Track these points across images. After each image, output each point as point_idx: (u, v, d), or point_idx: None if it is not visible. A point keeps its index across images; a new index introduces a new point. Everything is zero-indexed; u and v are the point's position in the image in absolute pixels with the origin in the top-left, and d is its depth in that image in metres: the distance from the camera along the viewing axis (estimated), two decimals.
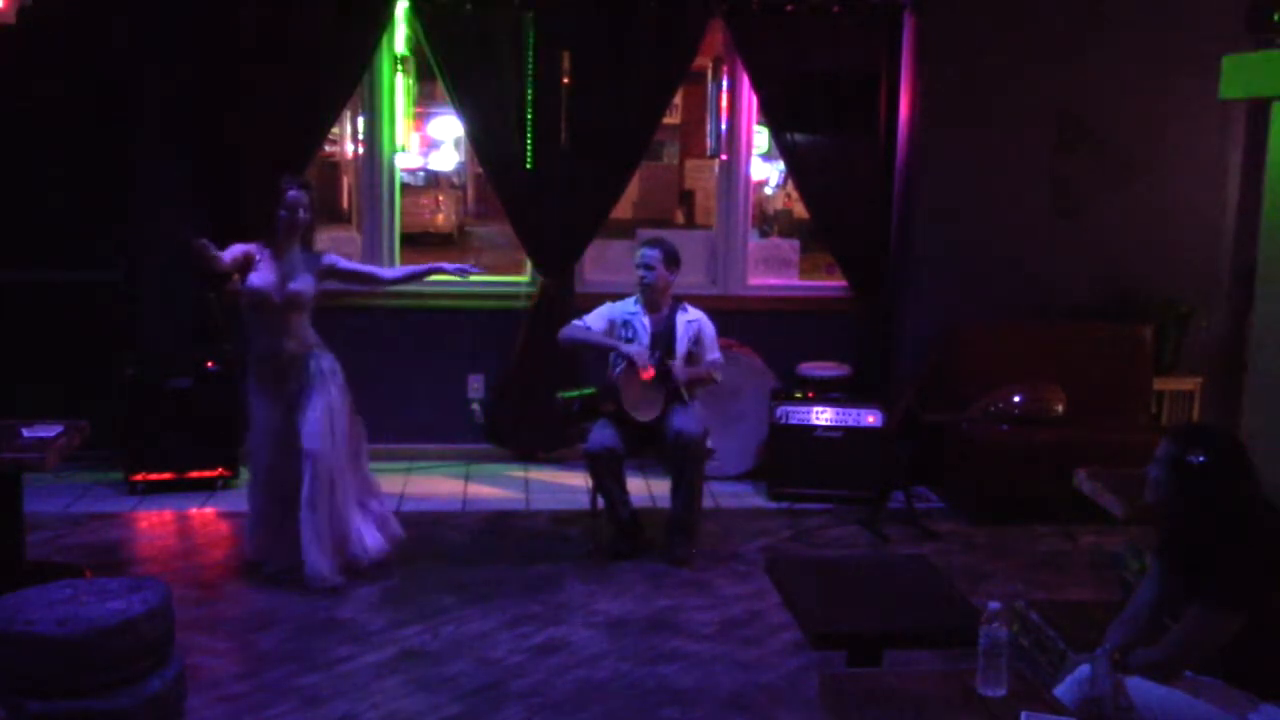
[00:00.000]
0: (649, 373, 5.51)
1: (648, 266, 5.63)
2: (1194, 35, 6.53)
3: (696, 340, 5.69)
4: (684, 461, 5.47)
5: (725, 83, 7.10)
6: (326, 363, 5.13)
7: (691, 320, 5.72)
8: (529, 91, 6.64)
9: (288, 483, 5.04)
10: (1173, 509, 3.24)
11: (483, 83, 6.64)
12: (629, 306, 5.73)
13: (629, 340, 5.63)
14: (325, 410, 5.03)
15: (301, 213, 5.02)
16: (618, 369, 5.58)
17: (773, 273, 7.30)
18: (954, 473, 6.45)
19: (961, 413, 6.22)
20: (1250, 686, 3.10)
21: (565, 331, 5.76)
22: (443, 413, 7.05)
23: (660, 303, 5.70)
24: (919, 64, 6.70)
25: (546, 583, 5.26)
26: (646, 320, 5.68)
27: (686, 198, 13.82)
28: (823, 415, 6.44)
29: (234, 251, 5.03)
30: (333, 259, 5.19)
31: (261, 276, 5.01)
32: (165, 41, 6.41)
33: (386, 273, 5.62)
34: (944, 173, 6.72)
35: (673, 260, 5.69)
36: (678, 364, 5.59)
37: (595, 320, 5.71)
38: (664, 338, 5.65)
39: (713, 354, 5.72)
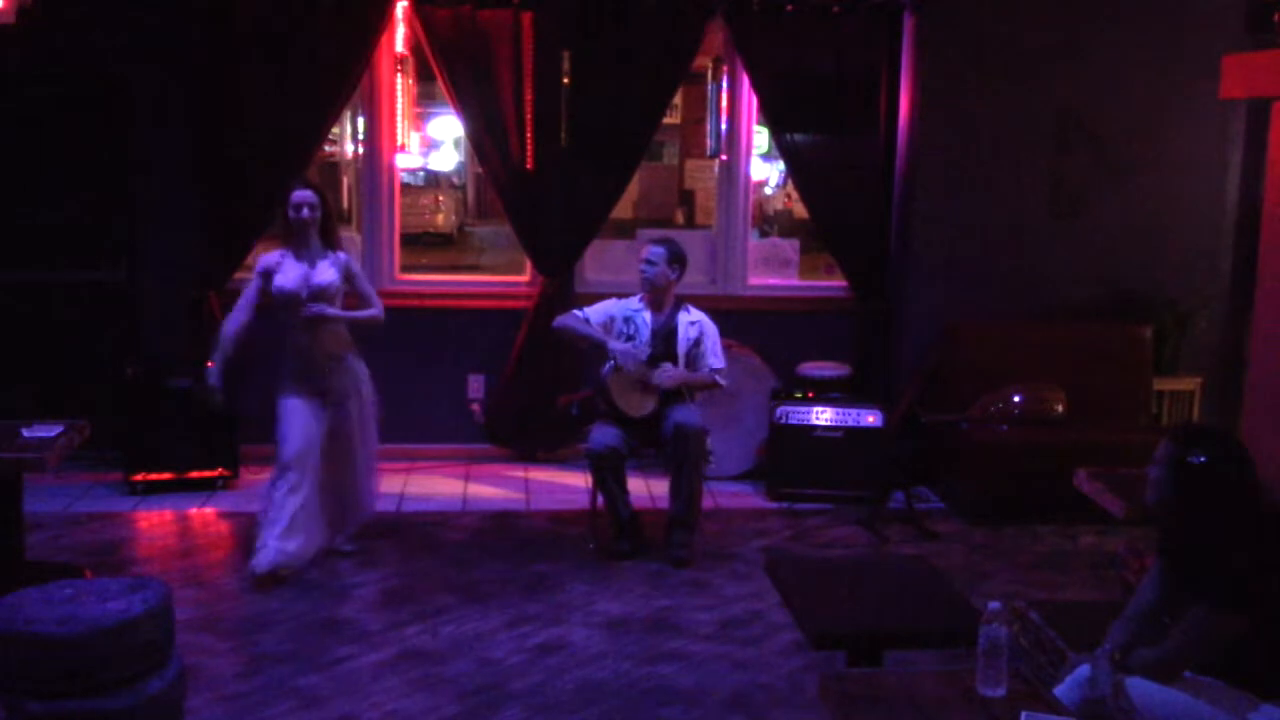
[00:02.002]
0: (634, 370, 5.51)
1: (650, 262, 5.65)
2: (1194, 35, 6.54)
3: (697, 343, 5.68)
4: (683, 455, 5.47)
5: (725, 83, 7.09)
6: (362, 368, 5.36)
7: (694, 322, 5.72)
8: (529, 91, 6.64)
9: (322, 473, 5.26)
10: (1173, 509, 3.24)
11: (483, 83, 6.64)
12: (632, 304, 5.74)
13: (630, 337, 5.64)
14: (365, 416, 5.38)
15: (306, 211, 5.14)
16: (608, 366, 5.58)
17: (773, 273, 7.30)
18: (954, 473, 6.45)
19: (961, 413, 6.22)
20: (1250, 686, 3.10)
21: (561, 319, 5.78)
22: (443, 413, 7.05)
23: (663, 301, 5.71)
24: (919, 64, 6.70)
25: (546, 583, 5.26)
26: (648, 317, 5.68)
27: (686, 198, 13.82)
28: (823, 415, 6.44)
29: (253, 292, 5.25)
30: (351, 261, 5.32)
31: (285, 277, 5.15)
32: (165, 42, 6.41)
33: (376, 310, 5.40)
34: (944, 173, 6.72)
35: (676, 260, 5.69)
36: (664, 369, 5.58)
37: (595, 314, 5.72)
38: (664, 337, 5.65)
39: (715, 361, 5.69)
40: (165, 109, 6.50)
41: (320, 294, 5.15)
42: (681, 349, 5.66)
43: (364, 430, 5.41)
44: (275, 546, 5.05)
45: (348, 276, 5.28)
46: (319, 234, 5.22)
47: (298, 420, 5.15)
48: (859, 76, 6.83)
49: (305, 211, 5.15)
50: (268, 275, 5.20)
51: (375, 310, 5.36)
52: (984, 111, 6.68)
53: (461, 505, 6.35)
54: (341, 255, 5.28)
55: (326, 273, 5.19)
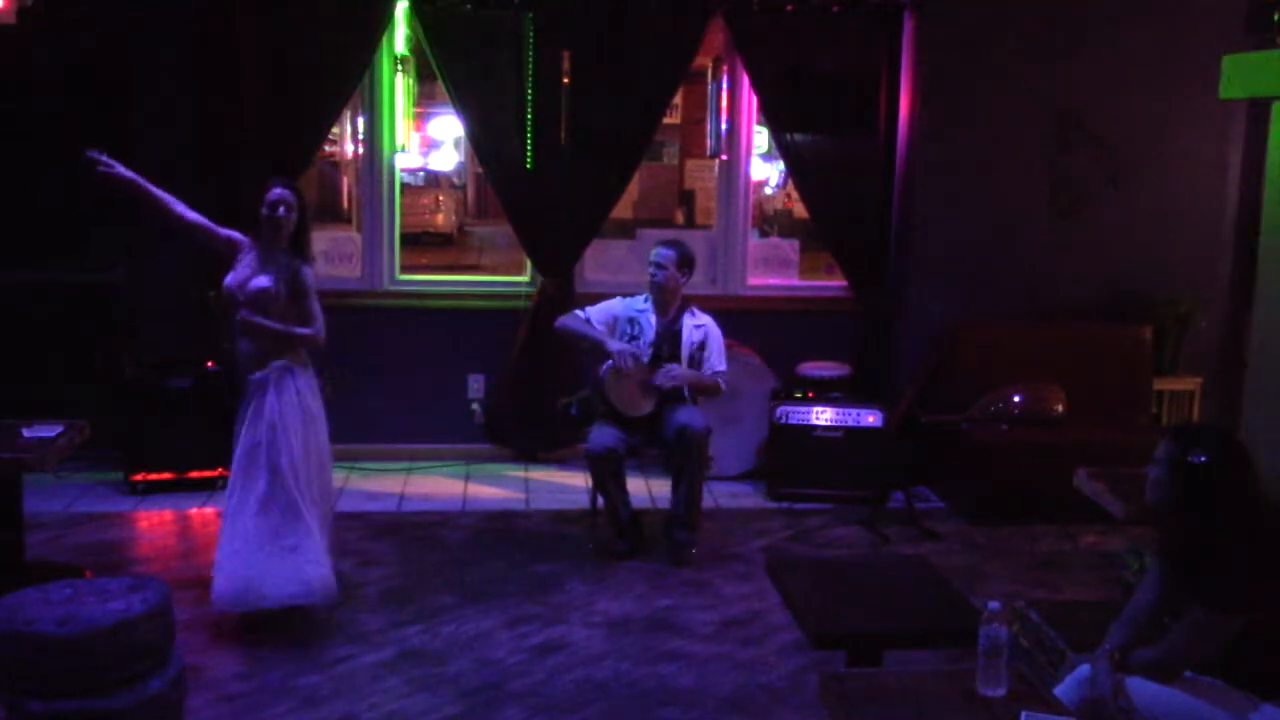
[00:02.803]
0: (631, 371, 5.49)
1: (659, 265, 5.63)
2: (1194, 35, 6.54)
3: (702, 346, 5.68)
4: (686, 457, 5.47)
5: (725, 83, 7.10)
6: (300, 383, 4.80)
7: (699, 325, 5.70)
8: (529, 91, 6.64)
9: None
10: (1173, 509, 3.24)
11: (483, 83, 6.64)
12: (638, 304, 5.73)
13: (634, 338, 5.63)
14: (269, 430, 4.71)
15: (282, 210, 4.73)
16: (606, 366, 5.58)
17: (773, 273, 7.30)
18: (954, 473, 6.45)
19: (961, 413, 6.22)
20: (1250, 686, 3.10)
21: (563, 320, 5.78)
22: (443, 413, 7.05)
23: (669, 304, 5.70)
24: (919, 64, 6.70)
25: (546, 583, 5.26)
26: (654, 319, 5.68)
27: (686, 198, 13.81)
28: (823, 415, 6.44)
29: (211, 226, 4.84)
30: (306, 274, 4.79)
31: (235, 274, 4.79)
32: (165, 42, 6.41)
33: (311, 330, 4.81)
34: (944, 173, 6.72)
35: (686, 263, 5.68)
36: (666, 370, 5.56)
37: (598, 313, 5.71)
38: (668, 339, 5.65)
39: (719, 364, 5.68)
40: (165, 109, 6.49)
41: (253, 300, 4.70)
42: (685, 352, 5.65)
43: (299, 467, 4.74)
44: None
45: (295, 287, 4.74)
46: (289, 240, 4.79)
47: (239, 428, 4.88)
48: (859, 76, 6.83)
49: (282, 210, 4.73)
50: (232, 249, 4.83)
51: (310, 330, 4.78)
52: (984, 112, 6.68)
53: (461, 505, 6.34)
54: (299, 265, 4.78)
55: (265, 279, 4.71)
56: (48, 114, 6.54)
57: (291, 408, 4.75)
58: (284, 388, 4.75)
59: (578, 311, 5.78)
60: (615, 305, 5.77)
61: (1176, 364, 6.80)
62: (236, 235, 4.89)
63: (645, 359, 5.58)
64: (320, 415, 4.88)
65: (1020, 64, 6.64)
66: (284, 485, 4.68)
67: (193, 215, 4.88)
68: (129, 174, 4.77)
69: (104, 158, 4.72)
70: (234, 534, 4.69)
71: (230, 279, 4.81)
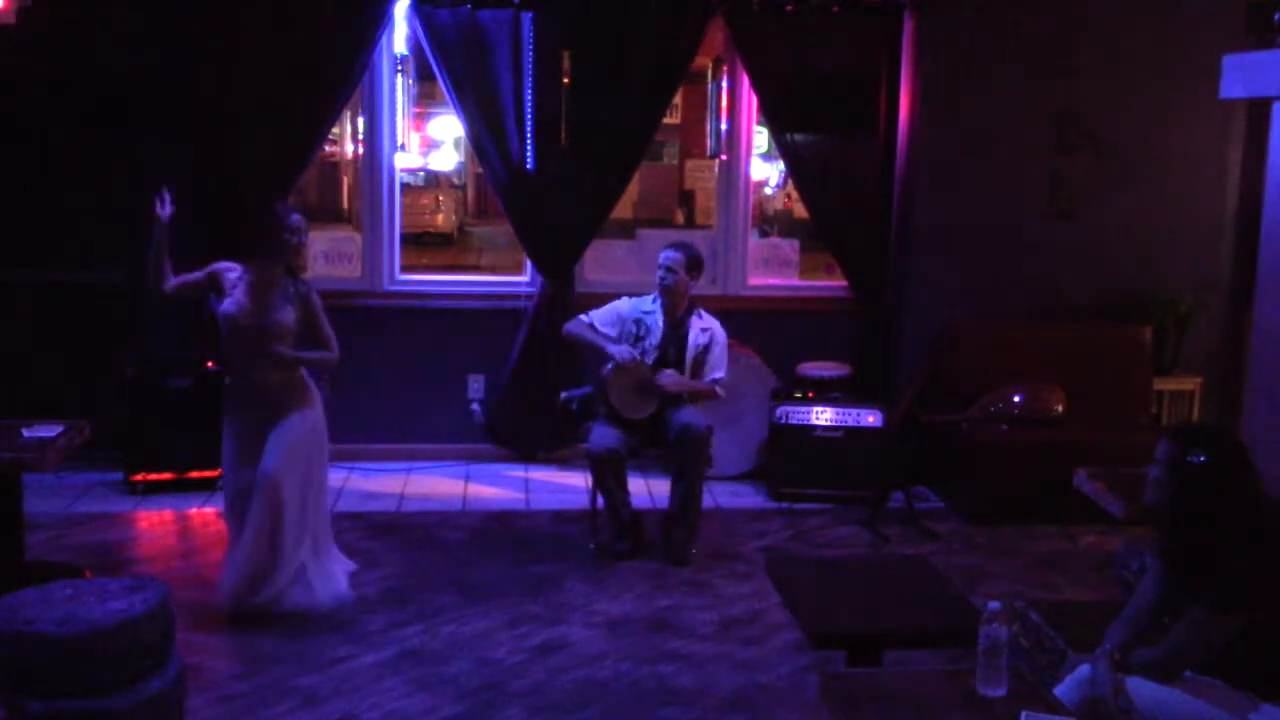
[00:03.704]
0: (632, 368, 5.49)
1: (670, 270, 5.62)
2: (1194, 35, 6.54)
3: (706, 350, 5.67)
4: (687, 456, 5.47)
5: (725, 83, 7.10)
6: (308, 410, 4.83)
7: (705, 329, 5.70)
8: (529, 91, 6.64)
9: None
10: (1173, 509, 3.24)
11: (483, 83, 6.64)
12: (646, 305, 5.73)
13: (639, 338, 5.63)
14: (291, 440, 4.74)
15: (300, 238, 4.77)
16: (607, 367, 5.58)
17: (773, 273, 7.30)
18: (954, 473, 6.44)
19: (961, 413, 6.22)
20: (1250, 686, 3.10)
21: (569, 326, 5.78)
22: (443, 413, 7.05)
23: (677, 305, 5.70)
24: (919, 64, 6.70)
25: (546, 583, 5.26)
26: (661, 321, 5.67)
27: (686, 198, 13.83)
28: (823, 415, 6.44)
29: (186, 279, 4.77)
30: (313, 294, 4.80)
31: (236, 302, 4.67)
32: (166, 41, 6.41)
33: (328, 353, 4.86)
34: (944, 173, 6.72)
35: (695, 266, 5.68)
36: (668, 375, 5.57)
37: (604, 315, 5.71)
38: (674, 341, 5.65)
39: (718, 371, 5.68)
40: (165, 108, 6.49)
41: (276, 330, 4.67)
42: (690, 355, 5.65)
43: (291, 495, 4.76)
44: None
45: (306, 310, 4.74)
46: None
47: (228, 463, 4.92)
48: (859, 76, 6.83)
49: (300, 239, 4.75)
50: (215, 282, 4.73)
51: (328, 353, 4.83)
52: (984, 111, 6.68)
53: (461, 505, 6.35)
54: (305, 287, 4.77)
55: (284, 310, 4.68)
56: (48, 114, 6.54)
57: (309, 430, 4.83)
58: (284, 429, 4.76)
59: (582, 316, 5.77)
60: (622, 306, 5.77)
61: (1176, 364, 6.81)
62: (215, 266, 4.79)
63: (650, 360, 5.58)
64: (307, 452, 4.85)
65: (1020, 64, 6.64)
66: (271, 518, 4.75)
67: (170, 284, 4.77)
68: (166, 224, 4.74)
69: (168, 198, 4.77)
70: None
71: (230, 307, 4.68)
